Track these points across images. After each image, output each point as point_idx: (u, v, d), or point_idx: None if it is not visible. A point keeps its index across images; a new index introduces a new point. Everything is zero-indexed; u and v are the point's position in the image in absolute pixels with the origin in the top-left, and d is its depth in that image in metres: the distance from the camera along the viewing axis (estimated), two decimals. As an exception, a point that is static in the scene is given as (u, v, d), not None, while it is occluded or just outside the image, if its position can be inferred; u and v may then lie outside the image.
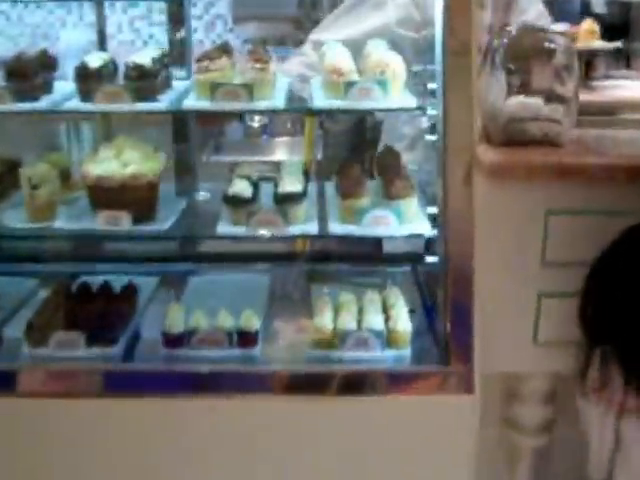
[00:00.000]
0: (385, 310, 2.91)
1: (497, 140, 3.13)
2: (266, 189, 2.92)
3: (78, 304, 2.99)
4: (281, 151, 5.69)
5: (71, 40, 5.17)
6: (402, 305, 2.92)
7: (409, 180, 2.84)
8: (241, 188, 2.81)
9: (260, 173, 3.05)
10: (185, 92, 2.89)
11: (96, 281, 3.11)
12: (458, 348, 2.70)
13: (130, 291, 3.14)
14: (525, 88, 3.06)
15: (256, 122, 5.80)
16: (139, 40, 6.15)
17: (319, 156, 4.29)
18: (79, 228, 2.80)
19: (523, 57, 3.06)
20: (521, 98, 3.07)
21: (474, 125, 2.60)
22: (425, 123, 2.80)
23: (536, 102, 3.08)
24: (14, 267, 3.44)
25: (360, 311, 2.87)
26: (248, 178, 2.92)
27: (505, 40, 3.10)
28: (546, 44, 3.08)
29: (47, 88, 2.85)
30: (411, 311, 2.92)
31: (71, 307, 2.97)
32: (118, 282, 3.12)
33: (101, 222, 2.76)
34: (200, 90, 2.74)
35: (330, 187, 3.07)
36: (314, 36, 3.69)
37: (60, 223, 2.84)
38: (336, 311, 2.86)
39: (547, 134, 3.16)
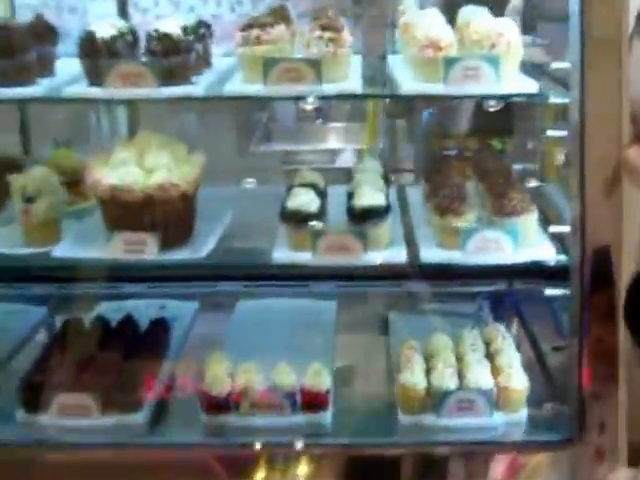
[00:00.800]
0: (489, 355, 2.49)
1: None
2: (335, 198, 2.47)
3: (91, 353, 2.44)
4: (341, 139, 5.05)
5: (100, 14, 4.65)
6: (512, 348, 2.49)
7: (525, 191, 2.41)
8: (304, 202, 2.35)
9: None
10: (229, 72, 2.41)
11: (119, 311, 2.71)
12: (598, 413, 2.22)
13: (160, 329, 2.64)
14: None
15: (309, 104, 5.17)
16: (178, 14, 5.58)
17: (391, 149, 3.59)
18: (87, 257, 2.26)
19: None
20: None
21: (622, 119, 2.13)
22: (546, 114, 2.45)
23: None
24: (18, 289, 2.88)
25: (458, 360, 2.46)
26: (314, 186, 2.42)
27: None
28: None
29: (45, 67, 2.34)
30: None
31: (81, 357, 2.41)
32: (145, 312, 2.72)
33: (118, 248, 2.23)
34: (249, 68, 2.24)
35: (413, 192, 2.66)
36: None
37: (63, 248, 2.32)
38: (427, 360, 2.46)
39: None
